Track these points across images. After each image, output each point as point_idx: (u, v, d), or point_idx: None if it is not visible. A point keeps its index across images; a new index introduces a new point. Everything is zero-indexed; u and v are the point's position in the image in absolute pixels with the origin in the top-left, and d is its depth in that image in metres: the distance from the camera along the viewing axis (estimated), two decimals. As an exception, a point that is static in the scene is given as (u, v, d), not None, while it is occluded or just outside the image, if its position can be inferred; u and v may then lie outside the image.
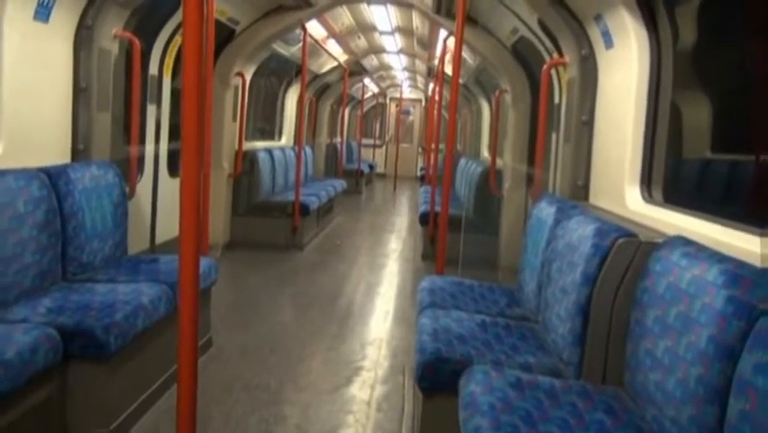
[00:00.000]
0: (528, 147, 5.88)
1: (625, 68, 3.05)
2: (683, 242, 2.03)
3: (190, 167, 1.65)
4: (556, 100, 4.88)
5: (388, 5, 7.20)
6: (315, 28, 7.94)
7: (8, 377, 2.17)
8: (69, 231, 3.41)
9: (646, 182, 2.94)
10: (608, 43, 3.23)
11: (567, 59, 3.84)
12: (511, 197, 5.84)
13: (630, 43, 2.93)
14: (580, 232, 2.54)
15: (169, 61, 5.80)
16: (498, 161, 6.51)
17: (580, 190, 3.57)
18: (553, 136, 4.86)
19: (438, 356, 2.42)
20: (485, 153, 9.07)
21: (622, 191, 2.98)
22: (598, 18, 3.27)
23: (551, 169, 4.77)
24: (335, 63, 10.25)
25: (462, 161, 9.19)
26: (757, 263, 1.76)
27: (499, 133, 6.89)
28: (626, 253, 2.26)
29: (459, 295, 3.33)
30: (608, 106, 3.33)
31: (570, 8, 3.52)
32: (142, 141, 5.21)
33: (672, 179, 2.94)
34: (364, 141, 16.36)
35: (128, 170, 4.49)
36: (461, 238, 5.69)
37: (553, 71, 4.62)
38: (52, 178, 3.39)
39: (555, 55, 4.75)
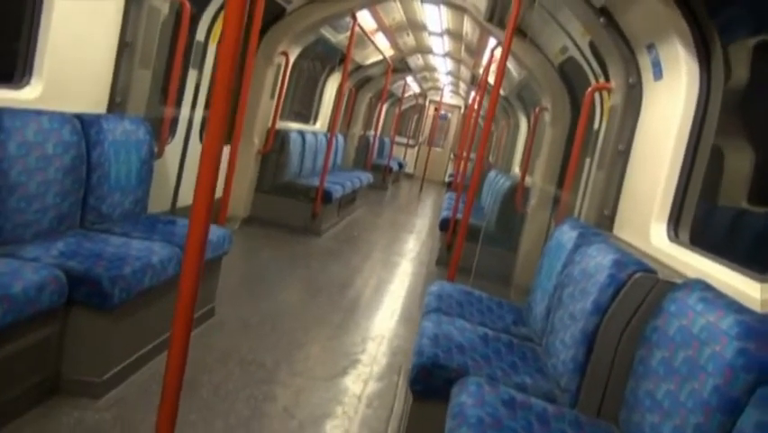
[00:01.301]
0: (560, 168, 5.80)
1: (671, 101, 2.97)
2: (703, 286, 1.97)
3: (214, 135, 1.63)
4: (595, 125, 4.80)
5: (442, 6, 7.15)
6: (365, 19, 7.94)
7: (11, 311, 2.20)
8: (93, 180, 3.45)
9: (674, 221, 2.86)
10: (657, 74, 3.15)
11: (613, 84, 3.76)
12: (535, 215, 5.77)
13: (680, 77, 2.85)
14: (599, 260, 2.48)
15: (217, 30, 5.84)
16: (528, 179, 6.44)
17: (605, 219, 3.50)
18: (587, 161, 4.79)
19: (435, 361, 2.39)
20: (516, 169, 8.99)
21: (647, 226, 2.90)
22: (650, 47, 3.19)
23: (579, 193, 4.70)
24: (380, 57, 10.23)
25: (492, 174, 9.11)
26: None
27: (533, 150, 6.81)
28: (642, 289, 2.20)
29: (466, 304, 3.29)
30: (648, 138, 3.26)
31: (623, 33, 3.44)
32: (179, 104, 5.25)
33: (702, 222, 2.86)
34: (398, 138, 16.35)
35: (160, 129, 4.52)
36: (478, 249, 5.63)
37: (596, 96, 4.54)
38: (85, 125, 3.43)
39: (602, 80, 4.68)
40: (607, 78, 4.43)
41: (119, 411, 2.61)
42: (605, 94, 4.53)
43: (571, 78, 5.88)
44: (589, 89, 4.05)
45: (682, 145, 2.83)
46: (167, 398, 1.71)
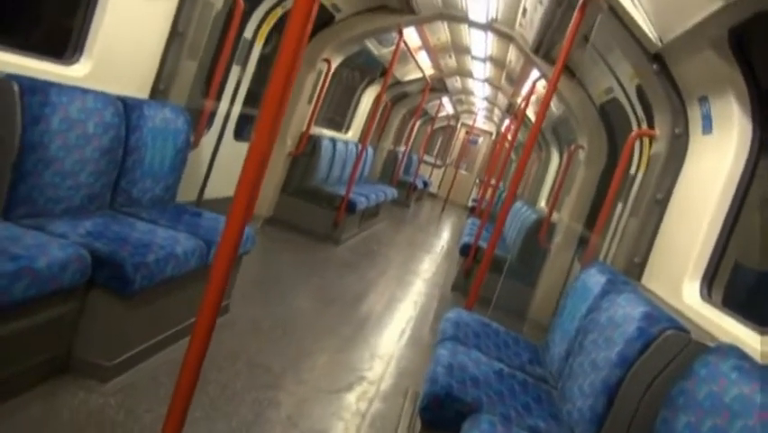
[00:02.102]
0: (589, 209, 5.72)
1: (718, 157, 2.90)
2: (739, 354, 1.89)
3: (264, 134, 1.61)
4: (632, 170, 4.73)
5: (489, 33, 7.14)
6: (410, 36, 7.96)
7: (33, 285, 2.19)
8: (128, 163, 3.48)
9: (708, 280, 2.78)
10: (707, 128, 3.08)
11: (657, 132, 3.70)
12: (558, 253, 5.69)
13: (731, 134, 2.79)
14: (628, 311, 2.41)
15: (265, 29, 5.90)
16: (554, 215, 6.36)
17: (635, 268, 3.42)
18: (619, 205, 4.71)
19: (448, 392, 2.33)
20: (542, 203, 8.90)
21: (680, 282, 2.82)
22: (702, 100, 3.13)
23: (608, 237, 4.62)
24: (419, 75, 10.25)
25: (518, 204, 9.03)
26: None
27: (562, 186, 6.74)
28: (672, 348, 2.13)
29: (483, 336, 3.23)
30: (688, 192, 3.18)
31: (675, 82, 3.39)
32: (218, 98, 5.30)
33: (739, 285, 2.77)
34: (425, 157, 16.34)
35: (198, 121, 4.55)
36: (496, 279, 5.56)
37: (636, 140, 4.47)
38: (127, 108, 3.46)
39: (644, 125, 4.61)
40: (650, 125, 4.36)
41: (124, 398, 2.59)
42: (645, 140, 4.48)
43: (611, 120, 5.82)
44: (633, 135, 3.98)
45: (726, 203, 2.75)
46: (180, 391, 1.68)
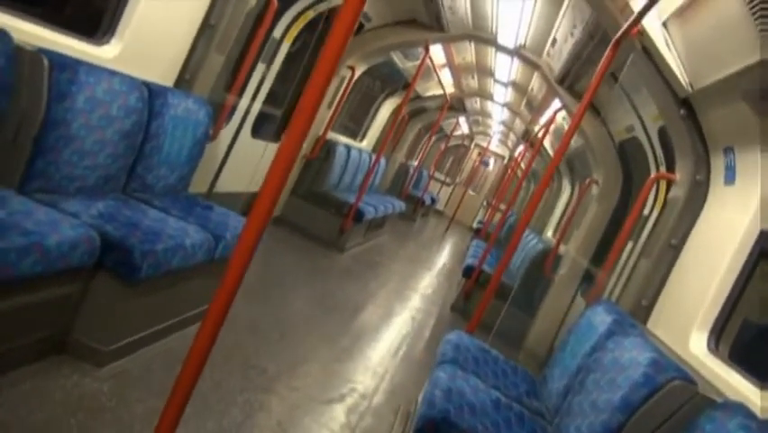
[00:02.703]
0: (597, 246, 5.69)
1: (739, 209, 2.88)
2: (745, 412, 1.86)
3: (293, 143, 1.59)
4: (646, 211, 4.70)
5: (515, 59, 7.14)
6: (436, 52, 7.98)
7: (41, 262, 2.18)
8: (146, 149, 3.47)
9: (716, 333, 2.75)
10: (730, 178, 3.06)
11: (677, 177, 3.68)
12: (562, 285, 5.65)
13: (755, 188, 2.77)
14: (634, 355, 2.38)
15: (294, 31, 5.92)
16: (561, 247, 6.33)
17: (641, 310, 3.39)
18: (629, 244, 4.68)
19: (445, 417, 2.30)
20: (549, 233, 8.87)
21: (688, 332, 2.79)
22: (728, 150, 3.11)
23: (614, 275, 4.59)
24: (440, 92, 10.26)
25: (525, 232, 9.00)
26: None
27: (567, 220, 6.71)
28: (678, 398, 2.09)
29: (482, 363, 3.20)
30: (705, 241, 3.16)
31: (701, 129, 3.37)
32: (240, 94, 5.30)
33: (747, 341, 2.74)
34: (436, 174, 16.34)
35: (218, 114, 4.55)
36: (496, 305, 5.52)
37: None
38: (152, 95, 3.46)
39: (663, 168, 4.59)
40: (669, 168, 4.35)
41: (117, 385, 2.57)
42: (662, 182, 4.45)
43: (628, 158, 5.80)
44: (652, 177, 3.97)
45: (743, 256, 2.73)
46: (180, 386, 1.66)
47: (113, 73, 3.13)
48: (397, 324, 5.46)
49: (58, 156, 2.82)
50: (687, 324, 2.84)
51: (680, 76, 3.25)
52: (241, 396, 2.92)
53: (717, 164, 3.23)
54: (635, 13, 3.02)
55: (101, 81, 3.01)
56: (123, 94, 3.18)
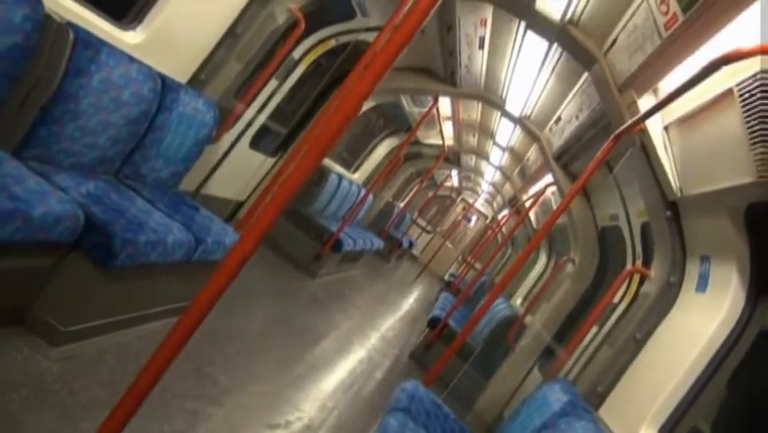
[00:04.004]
0: (562, 323, 5.77)
1: (705, 318, 2.97)
2: None
3: (303, 170, 1.63)
4: (615, 299, 4.80)
5: (518, 127, 7.33)
6: (443, 103, 8.16)
7: (22, 230, 2.16)
8: (147, 140, 3.48)
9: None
10: (701, 287, 3.16)
11: (652, 274, 3.78)
12: (521, 355, 5.69)
13: (723, 300, 2.86)
14: (583, 439, 2.41)
15: (313, 55, 6.04)
16: (528, 317, 6.40)
17: (596, 396, 3.43)
18: (593, 328, 4.76)
19: (389, 466, 2.29)
20: (518, 300, 8.95)
21: (638, 427, 2.83)
22: (704, 259, 3.22)
23: (575, 355, 4.64)
24: (439, 142, 10.44)
25: (494, 295, 9.07)
26: None
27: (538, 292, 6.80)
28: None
29: (433, 417, 3.19)
30: (668, 341, 3.24)
31: (683, 233, 3.49)
32: (249, 104, 5.36)
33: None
34: (419, 219, 16.46)
35: (223, 118, 4.59)
36: (455, 362, 5.53)
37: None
38: (165, 88, 3.50)
39: (639, 262, 4.72)
40: (645, 263, 4.47)
41: (67, 368, 2.52)
42: (636, 275, 4.56)
43: (607, 244, 5.94)
44: (628, 269, 4.08)
45: (701, 365, 2.80)
46: (141, 382, 1.63)
47: (132, 60, 3.17)
48: (354, 361, 5.42)
49: (61, 129, 2.82)
50: (638, 419, 2.88)
51: (672, 179, 3.38)
52: (188, 403, 2.87)
53: (692, 270, 3.33)
54: (641, 113, 3.16)
55: (119, 65, 3.05)
56: (138, 82, 3.21)
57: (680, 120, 3.21)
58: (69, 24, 2.78)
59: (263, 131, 6.03)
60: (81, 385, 2.49)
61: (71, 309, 2.63)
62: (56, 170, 2.80)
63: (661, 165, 3.40)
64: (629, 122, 3.30)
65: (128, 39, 3.44)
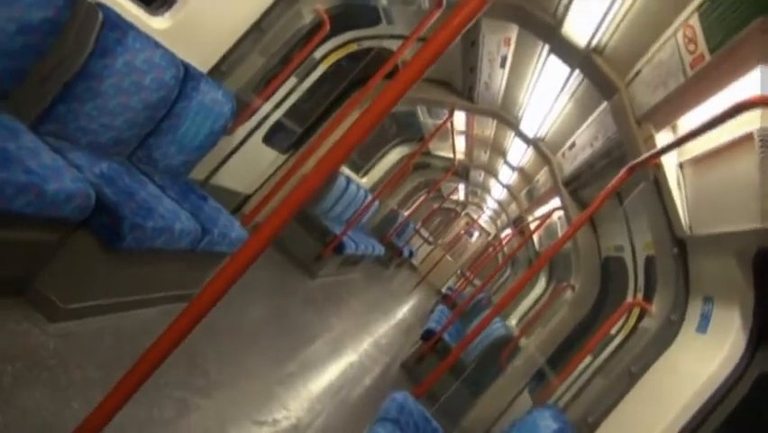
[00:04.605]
0: (557, 349, 5.75)
1: (703, 359, 2.95)
2: None
3: (321, 173, 1.64)
4: (613, 331, 4.78)
5: (530, 148, 7.34)
6: (458, 117, 8.17)
7: (34, 204, 2.17)
8: (164, 126, 3.49)
9: (652, 470, 2.78)
10: (702, 327, 3.15)
11: (653, 309, 3.77)
12: (513, 377, 5.66)
13: (723, 344, 2.85)
14: (571, 469, 2.40)
15: (334, 57, 6.06)
16: (522, 339, 6.38)
17: (586, 426, 3.41)
18: (588, 358, 4.74)
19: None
20: (513, 321, 8.93)
21: (626, 460, 2.82)
22: (707, 299, 3.21)
23: (566, 382, 4.63)
24: (450, 155, 10.45)
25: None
26: None
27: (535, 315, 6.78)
28: None
29: (422, 431, 3.18)
30: (664, 378, 3.22)
31: (688, 272, 3.48)
32: (266, 99, 5.38)
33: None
34: (422, 230, 16.46)
35: (240, 111, 4.60)
36: (447, 377, 5.52)
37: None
38: (186, 77, 3.51)
39: (640, 295, 4.71)
40: (646, 297, 4.46)
41: (64, 345, 2.51)
42: (635, 308, 4.55)
43: (610, 274, 5.92)
44: (629, 302, 4.06)
45: (695, 407, 2.79)
46: (140, 368, 1.63)
47: (157, 45, 3.18)
48: (346, 365, 5.41)
49: (80, 107, 2.83)
50: (626, 453, 2.87)
51: (682, 216, 3.37)
52: (178, 392, 2.86)
53: (694, 310, 3.32)
54: (658, 148, 3.17)
55: (144, 50, 3.06)
56: (161, 68, 3.23)
57: (696, 159, 3.21)
58: (99, 5, 2.80)
59: (278, 127, 6.05)
60: (76, 364, 2.49)
61: (73, 287, 2.63)
62: (72, 148, 2.81)
63: (672, 201, 3.39)
64: (645, 155, 3.30)
65: (155, 24, 3.47)
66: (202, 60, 3.99)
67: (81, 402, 2.29)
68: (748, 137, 2.52)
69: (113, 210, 2.57)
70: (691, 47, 2.67)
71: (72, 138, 2.88)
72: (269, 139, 5.97)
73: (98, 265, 2.66)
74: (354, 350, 6.06)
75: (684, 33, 2.72)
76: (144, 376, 1.62)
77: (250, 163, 5.89)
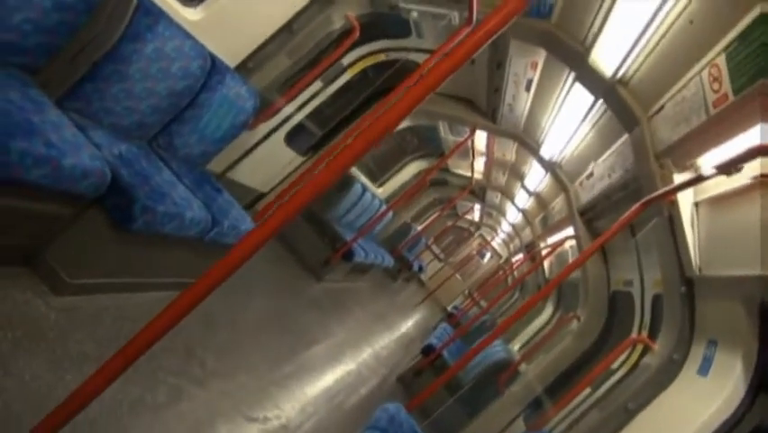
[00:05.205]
0: (557, 378, 5.68)
1: (701, 402, 2.91)
2: None
3: (333, 172, 1.65)
4: (614, 365, 4.73)
5: (549, 174, 7.31)
6: (480, 137, 8.18)
7: (50, 176, 2.21)
8: (186, 114, 3.54)
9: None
10: (704, 370, 3.10)
11: (656, 347, 3.72)
12: (509, 401, 5.60)
13: (723, 389, 2.81)
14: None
15: (362, 64, 6.12)
16: (522, 365, 6.32)
17: (576, 458, 3.38)
18: (587, 390, 4.69)
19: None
20: (516, 345, 8.85)
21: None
22: (711, 343, 3.17)
23: (563, 411, 4.58)
24: (468, 174, 10.45)
25: (493, 336, 8.97)
26: None
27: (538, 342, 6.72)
28: None
29: (408, 443, 3.16)
30: (661, 418, 3.18)
31: (694, 313, 3.43)
32: (290, 100, 5.42)
33: None
34: (433, 246, 16.44)
35: (263, 109, 4.65)
36: (441, 393, 5.48)
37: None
38: (213, 69, 3.57)
39: (645, 332, 4.65)
40: (651, 334, 4.40)
41: (65, 318, 2.54)
42: (639, 344, 4.50)
43: (616, 308, 5.86)
44: (633, 338, 4.03)
45: (688, 449, 2.74)
46: (135, 345, 1.64)
47: (187, 35, 3.24)
48: (343, 372, 5.40)
49: (107, 88, 2.89)
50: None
51: (693, 256, 3.34)
52: (173, 378, 2.88)
53: (697, 352, 3.27)
54: (675, 184, 3.14)
55: (174, 39, 3.12)
56: (189, 57, 3.29)
57: (711, 199, 3.18)
58: (136, -10, 2.86)
59: (299, 129, 6.10)
60: (75, 339, 2.51)
61: (80, 263, 2.67)
62: (94, 126, 2.86)
63: (684, 240, 3.36)
64: (661, 191, 3.28)
65: (188, 15, 3.53)
66: (230, 55, 4.05)
67: (75, 375, 2.32)
68: (763, 182, 2.50)
69: (127, 191, 2.60)
70: (716, 86, 2.66)
71: (95, 117, 2.94)
72: (289, 139, 6.01)
73: (107, 244, 2.70)
74: (353, 358, 6.04)
75: (710, 72, 2.71)
76: (134, 357, 1.64)
77: (268, 161, 5.93)
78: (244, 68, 4.27)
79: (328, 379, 4.92)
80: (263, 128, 5.43)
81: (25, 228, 2.43)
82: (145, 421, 2.53)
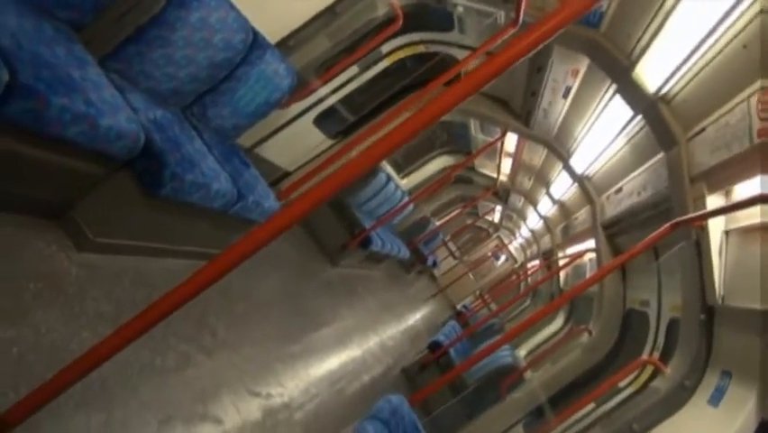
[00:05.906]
0: (562, 389, 5.65)
1: (708, 431, 2.87)
2: None
3: (369, 160, 1.64)
4: (622, 384, 4.68)
5: (576, 185, 7.22)
6: (510, 139, 8.11)
7: (86, 134, 2.23)
8: (222, 86, 3.55)
9: None
10: (715, 400, 3.06)
11: (668, 371, 3.66)
12: (510, 407, 5.58)
13: (733, 422, 2.76)
14: None
15: (400, 53, 6.08)
16: (528, 372, 6.30)
17: (573, 472, 3.36)
18: (591, 405, 4.65)
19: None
20: (523, 351, 8.81)
21: None
22: (725, 374, 3.12)
23: (563, 425, 4.54)
24: (494, 174, 10.37)
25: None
26: None
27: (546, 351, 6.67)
28: None
29: (408, 438, 3.17)
30: (664, 443, 3.14)
31: (711, 342, 3.37)
32: (325, 82, 5.41)
33: None
34: (450, 243, 16.38)
35: (298, 89, 4.64)
36: (444, 391, 5.48)
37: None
38: (255, 43, 3.56)
39: (657, 354, 4.59)
40: (663, 357, 4.34)
41: (85, 275, 2.58)
42: (649, 366, 4.44)
43: (630, 327, 5.79)
44: (644, 358, 3.99)
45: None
46: (154, 311, 1.66)
47: (232, 7, 3.24)
48: (348, 358, 5.42)
49: (149, 52, 2.91)
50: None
51: (717, 285, 3.28)
52: (183, 345, 2.91)
53: (710, 381, 3.22)
54: (707, 210, 3.08)
55: (219, 10, 3.13)
56: (232, 30, 3.29)
57: (744, 229, 3.12)
58: (185, -42, 2.86)
59: (330, 112, 6.08)
60: (93, 296, 2.55)
61: (105, 222, 2.70)
62: (132, 89, 2.88)
63: (710, 267, 3.30)
64: (692, 215, 3.21)
65: (234, -13, 3.53)
66: (272, 31, 4.04)
67: (90, 333, 2.35)
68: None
69: (158, 156, 2.62)
70: (763, 114, 2.59)
71: (134, 80, 2.96)
72: (319, 122, 6.00)
73: (134, 207, 2.72)
74: (359, 345, 6.06)
75: (759, 99, 2.64)
76: (152, 323, 1.65)
77: (297, 141, 5.93)
78: (285, 45, 4.26)
79: (333, 363, 4.95)
80: (295, 108, 5.42)
81: (56, 183, 2.46)
82: (154, 384, 2.56)
